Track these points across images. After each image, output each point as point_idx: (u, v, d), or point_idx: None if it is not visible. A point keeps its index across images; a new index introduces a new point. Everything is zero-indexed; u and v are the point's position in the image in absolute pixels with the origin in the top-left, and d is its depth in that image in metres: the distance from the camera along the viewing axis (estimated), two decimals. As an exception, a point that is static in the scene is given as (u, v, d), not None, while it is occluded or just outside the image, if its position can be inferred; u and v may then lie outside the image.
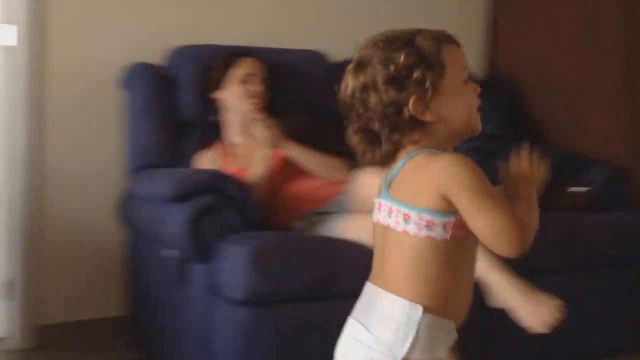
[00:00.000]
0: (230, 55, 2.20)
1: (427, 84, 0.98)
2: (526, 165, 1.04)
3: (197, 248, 1.73)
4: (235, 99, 2.16)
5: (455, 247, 0.98)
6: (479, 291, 1.65)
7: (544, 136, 2.72)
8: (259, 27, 2.57)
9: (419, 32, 1.01)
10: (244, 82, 2.15)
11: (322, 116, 2.31)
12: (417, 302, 0.97)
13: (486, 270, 1.61)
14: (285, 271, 1.69)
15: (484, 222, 0.95)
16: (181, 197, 1.78)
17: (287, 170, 2.11)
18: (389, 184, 1.02)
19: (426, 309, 0.97)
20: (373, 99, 0.99)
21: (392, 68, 0.98)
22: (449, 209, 0.97)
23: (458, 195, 0.95)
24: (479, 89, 1.06)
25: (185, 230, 1.72)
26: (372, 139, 1.02)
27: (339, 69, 2.58)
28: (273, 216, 2.06)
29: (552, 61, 2.72)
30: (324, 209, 2.05)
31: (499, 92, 2.82)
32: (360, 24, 2.74)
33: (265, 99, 2.17)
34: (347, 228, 1.88)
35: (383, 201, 1.03)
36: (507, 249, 0.95)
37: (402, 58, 0.98)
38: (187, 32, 2.40)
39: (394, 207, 1.00)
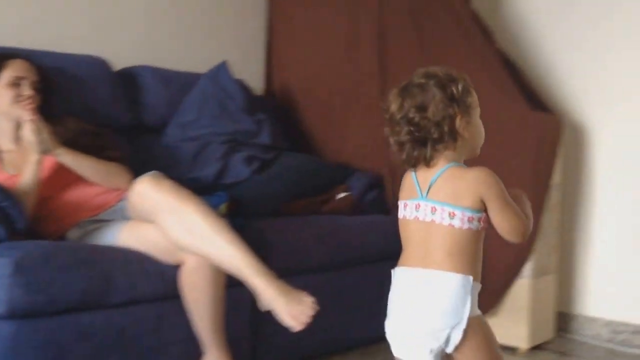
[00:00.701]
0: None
1: (471, 108, 1.34)
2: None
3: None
4: (4, 103, 2.02)
5: (481, 234, 1.33)
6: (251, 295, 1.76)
7: (314, 147, 2.96)
8: (42, 30, 2.45)
9: (458, 72, 1.37)
10: (13, 85, 2.02)
11: (101, 122, 2.26)
12: (466, 274, 1.29)
13: (252, 276, 1.71)
14: (54, 282, 1.63)
15: (504, 219, 1.31)
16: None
17: (61, 177, 2.02)
18: (428, 189, 1.32)
19: (474, 279, 1.31)
20: (430, 113, 1.30)
21: (449, 92, 1.31)
22: (481, 208, 1.30)
23: (491, 199, 1.30)
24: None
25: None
26: (419, 146, 1.32)
27: (121, 76, 2.56)
28: (45, 225, 1.96)
29: (322, 77, 2.97)
30: (102, 216, 2.01)
31: (275, 105, 3.02)
32: (144, 35, 2.75)
33: (37, 103, 2.07)
34: (123, 236, 1.87)
35: (422, 202, 1.33)
36: (516, 238, 1.34)
37: (459, 85, 1.33)
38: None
39: (438, 207, 1.31)
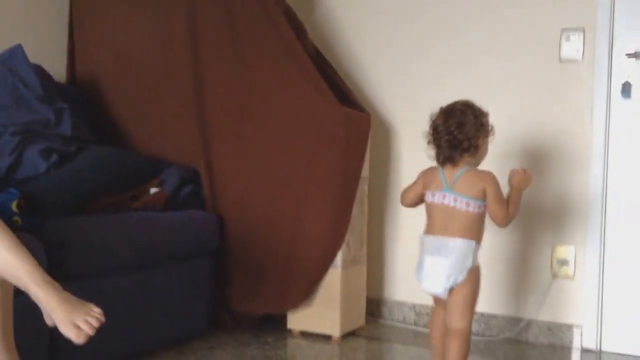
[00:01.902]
0: None
1: (487, 135, 2.02)
2: (518, 177, 2.00)
3: None
4: None
5: (485, 214, 1.97)
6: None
7: (124, 140, 2.79)
8: None
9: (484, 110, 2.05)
10: None
11: None
12: (472, 240, 1.93)
13: (31, 286, 1.51)
14: None
15: (497, 209, 1.95)
16: None
17: None
18: (452, 183, 1.97)
19: (477, 243, 1.96)
20: (466, 130, 1.96)
21: (479, 120, 1.99)
22: (484, 197, 1.95)
23: (490, 193, 1.94)
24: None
25: None
26: (452, 151, 1.96)
27: None
28: None
29: (132, 68, 2.82)
30: None
31: (80, 94, 2.80)
32: None
33: None
34: None
35: (447, 193, 1.97)
36: (501, 223, 1.97)
37: (486, 118, 2.02)
38: None
39: (459, 198, 1.95)
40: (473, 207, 1.95)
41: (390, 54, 2.90)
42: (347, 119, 2.50)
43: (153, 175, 2.52)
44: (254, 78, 2.58)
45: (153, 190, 2.42)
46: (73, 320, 1.49)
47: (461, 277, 1.92)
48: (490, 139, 2.06)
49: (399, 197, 2.86)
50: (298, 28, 2.65)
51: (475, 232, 1.96)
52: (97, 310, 1.52)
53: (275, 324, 2.65)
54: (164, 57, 2.74)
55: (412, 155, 2.86)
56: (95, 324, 1.50)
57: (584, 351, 2.50)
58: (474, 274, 1.95)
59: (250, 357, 2.29)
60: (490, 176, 1.97)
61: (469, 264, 1.93)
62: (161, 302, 2.29)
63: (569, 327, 2.54)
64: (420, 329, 2.77)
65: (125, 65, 2.82)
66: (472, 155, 1.98)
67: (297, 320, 2.59)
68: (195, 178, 2.65)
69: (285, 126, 2.55)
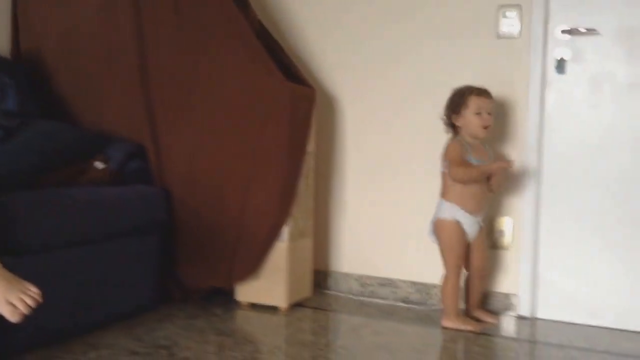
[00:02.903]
0: None
1: (459, 108, 2.47)
2: (500, 168, 2.43)
3: None
4: None
5: (446, 176, 2.48)
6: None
7: (70, 115, 2.78)
8: None
9: (469, 87, 2.49)
10: None
11: None
12: (443, 199, 2.48)
13: None
14: None
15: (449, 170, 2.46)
16: None
17: None
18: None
19: (446, 200, 2.46)
20: (444, 113, 2.52)
21: (449, 100, 2.49)
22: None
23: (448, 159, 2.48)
24: (485, 121, 2.44)
25: None
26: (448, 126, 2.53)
27: None
28: None
29: (78, 43, 2.80)
30: None
31: (23, 68, 2.76)
32: None
33: None
34: None
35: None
36: (454, 179, 2.43)
37: (457, 95, 2.48)
38: None
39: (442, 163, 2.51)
40: (442, 169, 2.49)
41: (334, 29, 2.92)
42: (292, 94, 2.54)
43: (99, 150, 2.52)
44: (199, 53, 2.59)
45: (99, 165, 2.42)
46: (8, 298, 1.50)
47: (430, 230, 2.54)
48: (467, 111, 2.42)
49: (344, 171, 2.95)
50: (242, 2, 2.65)
51: (446, 191, 2.48)
52: (34, 290, 1.53)
53: (224, 297, 2.70)
54: (109, 33, 2.72)
55: (357, 129, 2.91)
56: (31, 303, 1.51)
57: (519, 318, 2.62)
58: (436, 226, 2.49)
59: (199, 329, 2.34)
60: (447, 145, 2.49)
61: (434, 217, 2.50)
62: (109, 277, 2.32)
63: (506, 296, 2.65)
64: (364, 298, 2.85)
65: (71, 40, 2.80)
66: (455, 132, 2.49)
67: (245, 293, 2.64)
68: (142, 153, 2.65)
69: (231, 101, 2.57)
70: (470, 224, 2.47)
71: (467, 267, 2.54)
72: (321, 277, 2.97)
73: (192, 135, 2.62)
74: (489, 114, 2.43)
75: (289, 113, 2.51)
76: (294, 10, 2.99)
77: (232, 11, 2.57)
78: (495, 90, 2.53)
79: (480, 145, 2.49)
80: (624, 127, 2.47)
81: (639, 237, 2.46)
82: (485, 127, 2.43)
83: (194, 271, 2.62)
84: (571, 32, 2.51)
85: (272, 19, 2.98)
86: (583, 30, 2.49)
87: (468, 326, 2.42)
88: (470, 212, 2.46)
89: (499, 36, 2.62)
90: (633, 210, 2.46)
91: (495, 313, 2.61)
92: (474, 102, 2.43)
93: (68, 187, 2.30)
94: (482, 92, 2.45)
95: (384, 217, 2.87)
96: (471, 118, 2.43)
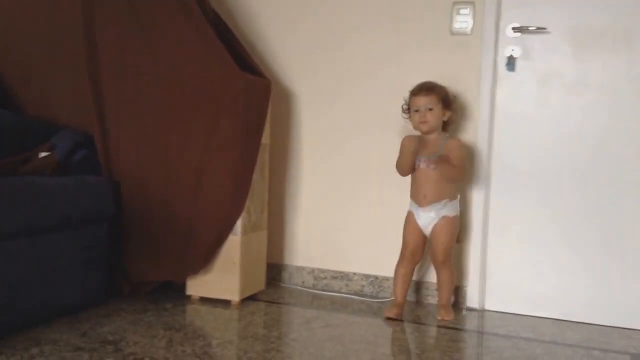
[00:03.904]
0: None
1: (406, 109, 2.60)
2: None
3: None
4: None
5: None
6: None
7: (13, 102, 2.68)
8: None
9: (413, 88, 2.58)
10: None
11: None
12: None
13: None
14: None
15: None
16: None
17: None
18: None
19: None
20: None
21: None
22: None
23: None
24: (420, 117, 2.50)
25: None
26: None
27: None
28: None
29: (21, 28, 2.70)
30: None
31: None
32: None
33: None
34: None
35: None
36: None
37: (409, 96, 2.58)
38: None
39: None
40: None
41: (290, 21, 2.91)
42: (247, 85, 2.51)
43: (43, 138, 2.44)
44: (151, 42, 2.53)
45: (42, 154, 2.35)
46: None
47: None
48: (411, 111, 2.53)
49: (300, 164, 2.94)
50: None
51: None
52: None
53: (175, 291, 2.65)
54: (54, 17, 2.63)
55: (313, 122, 2.91)
56: None
57: (468, 310, 2.67)
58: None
59: (147, 324, 2.29)
60: None
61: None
62: (55, 270, 2.24)
63: (456, 288, 2.70)
64: (317, 291, 2.85)
65: (13, 25, 2.69)
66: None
67: (196, 287, 2.61)
68: (90, 143, 2.58)
69: (183, 92, 2.52)
70: (422, 217, 2.51)
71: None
72: (275, 271, 2.95)
73: (142, 126, 2.56)
74: (430, 109, 2.48)
75: (243, 104, 2.48)
76: (250, 1, 2.96)
77: (190, 2, 2.52)
78: (448, 86, 2.56)
79: (433, 141, 2.52)
80: (571, 123, 2.54)
81: (582, 230, 2.54)
82: (422, 123, 2.49)
83: (144, 265, 2.57)
84: (521, 30, 2.57)
85: (228, 9, 2.94)
86: (533, 28, 2.55)
87: (388, 313, 2.52)
88: (419, 205, 2.51)
89: (453, 33, 2.65)
90: (577, 204, 2.54)
91: (460, 308, 2.66)
92: (412, 102, 2.54)
93: (9, 176, 2.22)
94: (418, 91, 2.52)
95: (339, 211, 2.88)
96: (412, 116, 2.53)
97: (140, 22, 2.54)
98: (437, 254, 2.53)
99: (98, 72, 2.59)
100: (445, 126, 2.56)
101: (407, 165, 2.52)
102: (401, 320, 2.47)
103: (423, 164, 2.50)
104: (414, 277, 2.66)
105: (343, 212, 2.87)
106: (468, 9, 2.62)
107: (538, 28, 2.54)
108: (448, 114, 2.53)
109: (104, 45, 2.58)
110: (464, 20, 2.63)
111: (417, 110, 2.50)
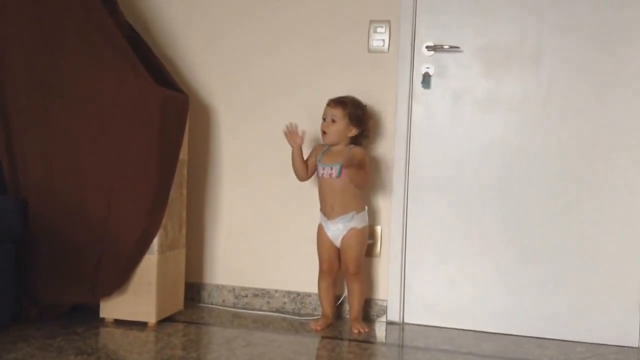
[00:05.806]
0: None
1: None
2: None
3: None
4: None
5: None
6: None
7: None
8: None
9: None
10: None
11: None
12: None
13: None
14: None
15: None
16: None
17: None
18: None
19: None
20: None
21: None
22: None
23: None
24: (323, 126, 2.55)
25: None
26: None
27: None
28: None
29: None
30: None
31: None
32: None
33: None
34: None
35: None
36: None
37: None
38: None
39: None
40: None
41: (209, 37, 2.87)
42: (163, 100, 2.45)
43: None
44: (61, 56, 2.43)
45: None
46: None
47: None
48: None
49: (219, 181, 2.89)
50: (110, 2, 2.54)
51: None
52: None
53: (87, 314, 2.53)
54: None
55: (232, 138, 2.87)
56: None
57: (389, 324, 2.69)
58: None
59: (57, 349, 2.18)
60: None
61: None
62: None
63: (376, 302, 2.71)
64: (238, 310, 2.80)
65: None
66: None
67: (110, 309, 2.50)
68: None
69: (96, 107, 2.43)
70: (330, 229, 2.55)
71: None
72: (194, 290, 2.88)
73: (51, 142, 2.44)
74: (333, 121, 2.52)
75: (159, 120, 2.42)
76: (167, 16, 2.91)
77: (100, 12, 2.44)
78: (367, 102, 2.60)
79: (337, 152, 2.54)
80: (484, 138, 2.63)
81: (497, 243, 2.62)
82: (322, 132, 2.55)
83: (53, 287, 2.44)
84: (435, 48, 2.64)
85: (145, 24, 2.88)
86: (446, 47, 2.63)
87: (314, 325, 2.55)
88: (328, 217, 2.55)
89: (370, 50, 2.70)
90: (492, 218, 2.62)
91: (371, 320, 2.67)
92: (324, 110, 2.56)
93: None
94: (330, 101, 2.57)
95: (259, 228, 2.84)
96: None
97: (50, 34, 2.44)
98: (348, 265, 2.54)
99: (2, 87, 2.47)
100: (358, 141, 2.57)
101: (296, 163, 2.57)
102: (329, 332, 2.46)
103: (324, 171, 2.52)
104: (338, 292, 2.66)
105: (263, 229, 2.84)
106: (384, 27, 2.68)
107: (451, 47, 2.63)
108: (354, 130, 2.53)
109: (9, 59, 2.45)
110: (380, 39, 2.68)
111: (324, 119, 2.56)
